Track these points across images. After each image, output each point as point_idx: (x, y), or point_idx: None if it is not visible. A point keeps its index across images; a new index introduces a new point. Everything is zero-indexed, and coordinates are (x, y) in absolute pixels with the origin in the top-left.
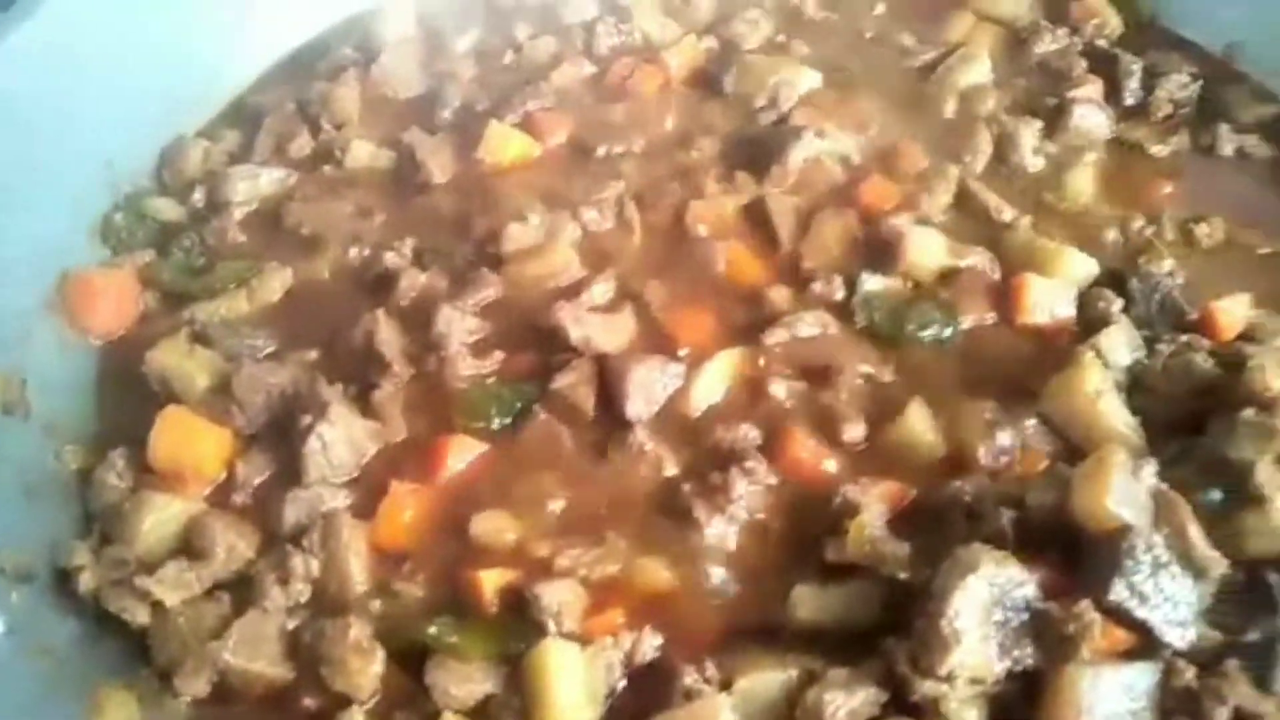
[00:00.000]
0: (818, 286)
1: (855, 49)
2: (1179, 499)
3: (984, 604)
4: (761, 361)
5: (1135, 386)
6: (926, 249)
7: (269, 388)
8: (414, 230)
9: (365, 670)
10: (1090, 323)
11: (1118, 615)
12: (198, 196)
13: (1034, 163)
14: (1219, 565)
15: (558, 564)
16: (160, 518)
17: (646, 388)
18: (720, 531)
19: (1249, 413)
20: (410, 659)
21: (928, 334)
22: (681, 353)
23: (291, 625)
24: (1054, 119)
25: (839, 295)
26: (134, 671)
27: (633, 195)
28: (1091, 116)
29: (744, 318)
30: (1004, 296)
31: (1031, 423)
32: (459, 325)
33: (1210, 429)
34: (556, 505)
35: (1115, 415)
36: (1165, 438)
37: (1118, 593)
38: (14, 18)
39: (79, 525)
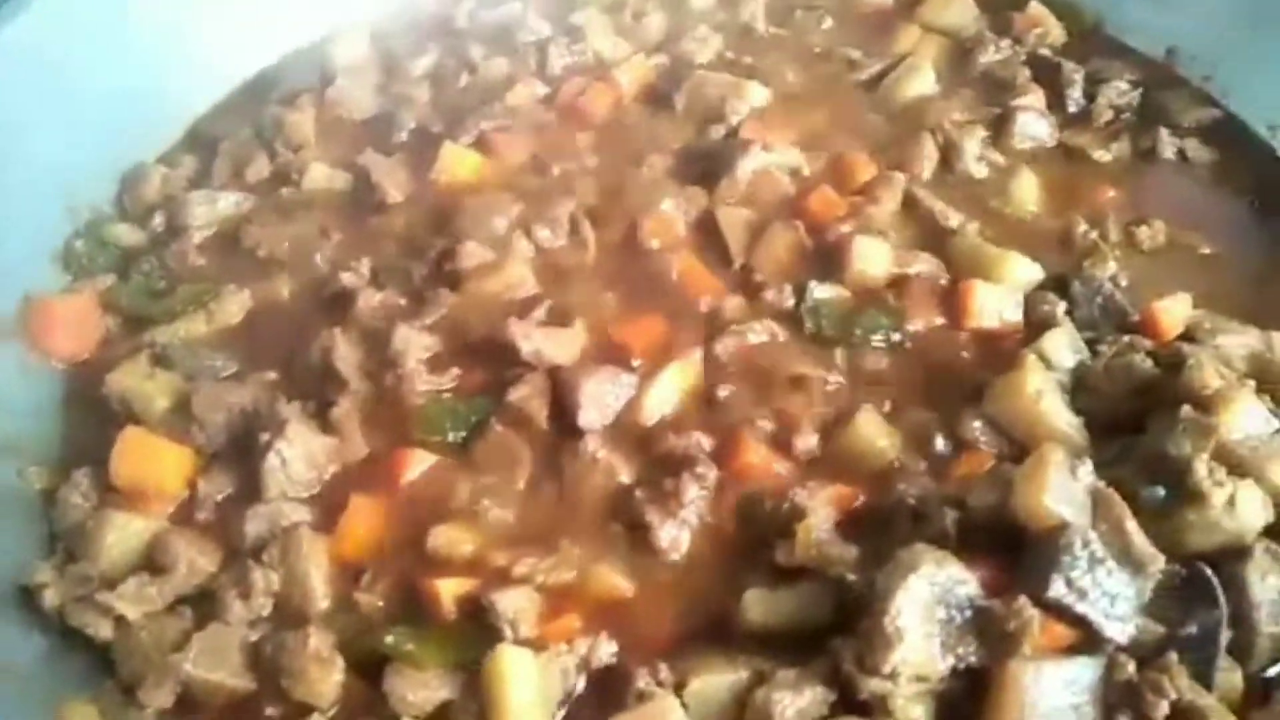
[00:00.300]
0: (768, 296)
1: (804, 63)
2: (1115, 496)
3: (926, 602)
4: (712, 371)
5: (1079, 387)
6: (873, 257)
7: (229, 406)
8: (370, 250)
9: (325, 679)
10: (1036, 326)
11: (1058, 611)
12: (157, 221)
13: (978, 170)
14: (1156, 560)
15: (515, 572)
16: (123, 535)
17: (598, 398)
18: (672, 536)
19: (1187, 410)
20: (370, 668)
21: (875, 339)
22: (635, 363)
23: (253, 637)
24: (998, 127)
25: (789, 304)
26: (98, 685)
27: (586, 211)
28: (1034, 124)
29: (696, 328)
30: (951, 301)
31: (978, 424)
32: (415, 342)
33: (1150, 427)
34: (512, 515)
35: (1057, 415)
36: (1108, 437)
37: (1056, 589)
38: None
39: (43, 545)
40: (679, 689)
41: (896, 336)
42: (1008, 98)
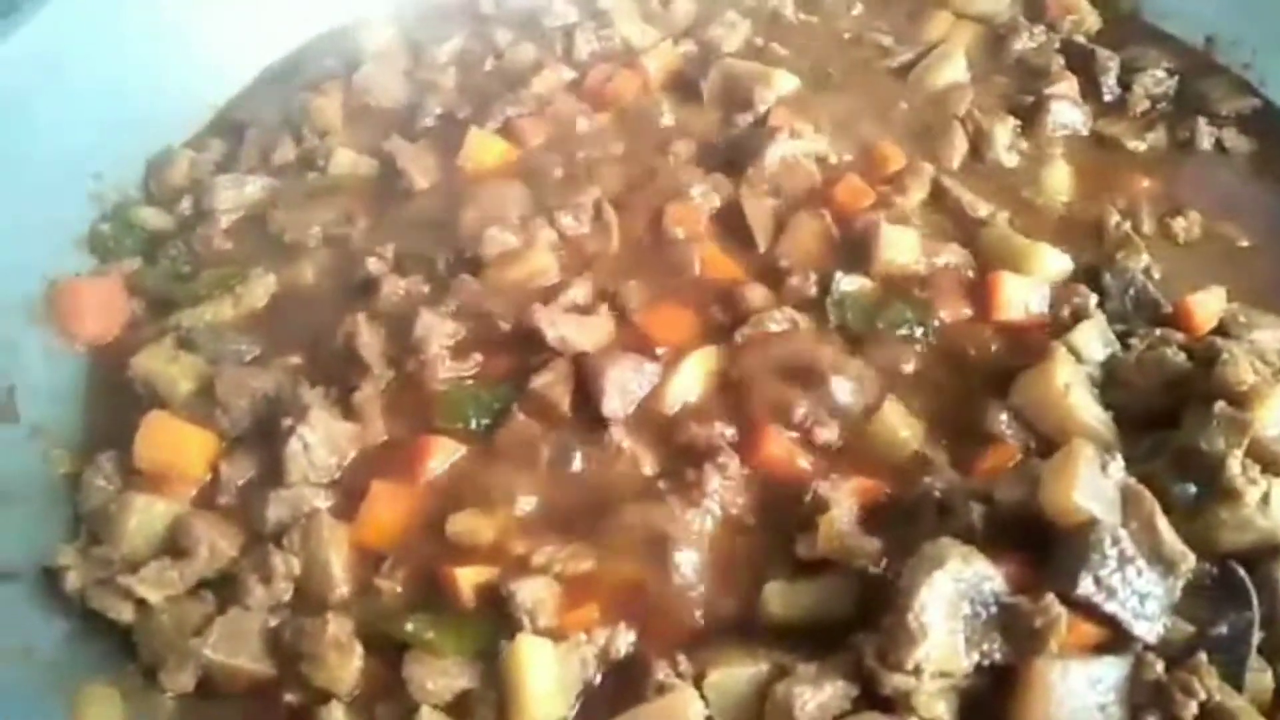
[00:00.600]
0: (793, 285)
1: (833, 50)
2: (1147, 493)
3: (951, 598)
4: (736, 359)
5: (1109, 381)
6: (900, 247)
7: (252, 391)
8: (395, 236)
9: (344, 666)
10: (1065, 318)
11: (1085, 609)
12: (184, 205)
13: (1009, 159)
14: (1187, 559)
15: (534, 561)
16: (145, 518)
17: (622, 386)
18: (694, 527)
19: (1221, 406)
20: (389, 654)
21: (901, 332)
22: (658, 352)
23: (273, 623)
24: (1031, 116)
25: (814, 294)
26: (119, 669)
27: (611, 199)
28: (1068, 113)
29: (720, 317)
30: (979, 293)
31: (1004, 417)
32: (438, 329)
33: (1183, 423)
34: (533, 503)
35: (1086, 410)
36: (1139, 432)
37: (1085, 587)
38: (1, 31)
39: (67, 528)
40: (698, 681)
41: (922, 329)
42: (1041, 85)
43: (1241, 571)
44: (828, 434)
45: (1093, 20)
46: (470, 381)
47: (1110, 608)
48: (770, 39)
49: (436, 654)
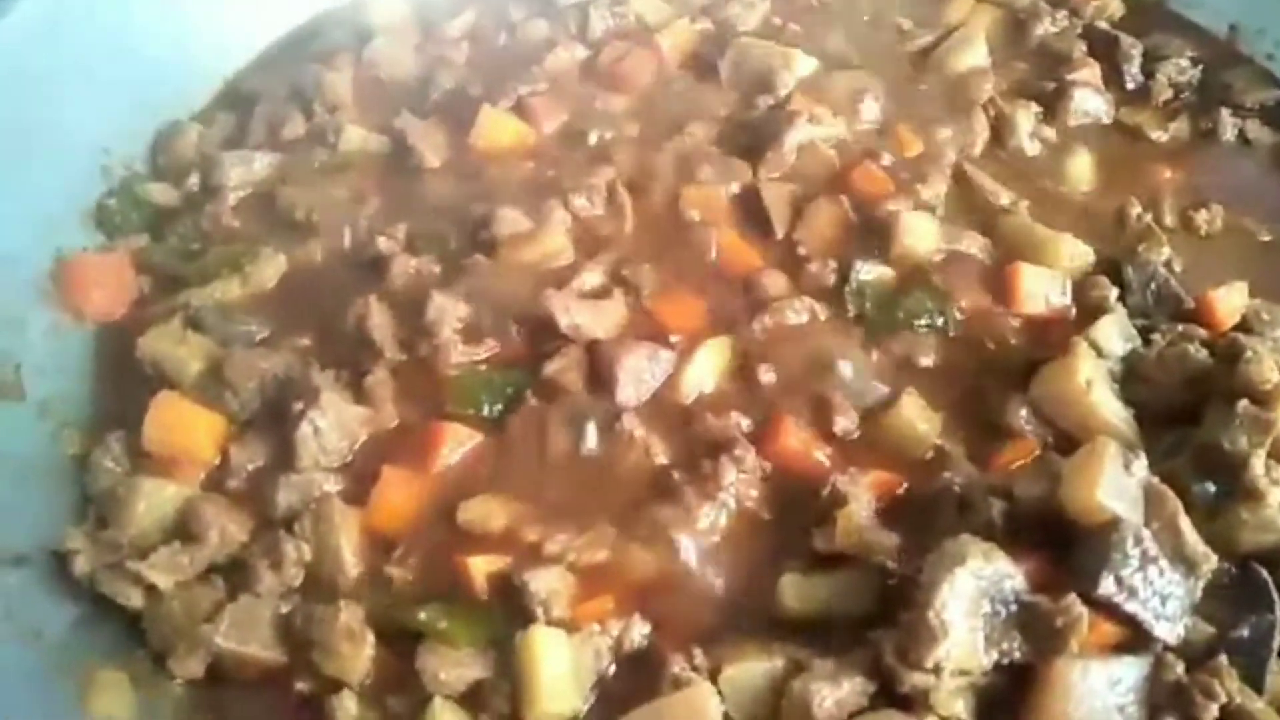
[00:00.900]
0: (811, 273)
1: (852, 32)
2: (1170, 493)
3: (971, 596)
4: (752, 349)
5: (1130, 376)
6: (920, 234)
7: (262, 373)
8: (406, 215)
9: (356, 654)
10: (1086, 311)
11: (1106, 609)
12: (192, 181)
13: (1031, 147)
14: (1210, 559)
15: (547, 550)
16: (154, 501)
17: (637, 374)
18: (709, 519)
19: (1245, 404)
20: (401, 643)
21: (920, 323)
22: (673, 339)
23: (284, 609)
24: (1053, 103)
25: (832, 282)
26: (129, 654)
27: (625, 181)
28: (1091, 100)
29: (736, 305)
30: (998, 284)
31: (1024, 412)
32: (450, 312)
33: (1205, 420)
34: (546, 491)
35: (1107, 406)
36: (1160, 429)
37: (1106, 586)
38: (6, 3)
39: (75, 509)
40: (714, 675)
41: (942, 320)
42: (1063, 72)
43: (1265, 573)
44: (845, 422)
45: (1116, 6)
46: (483, 366)
47: (1131, 608)
48: (788, 19)
49: (450, 644)
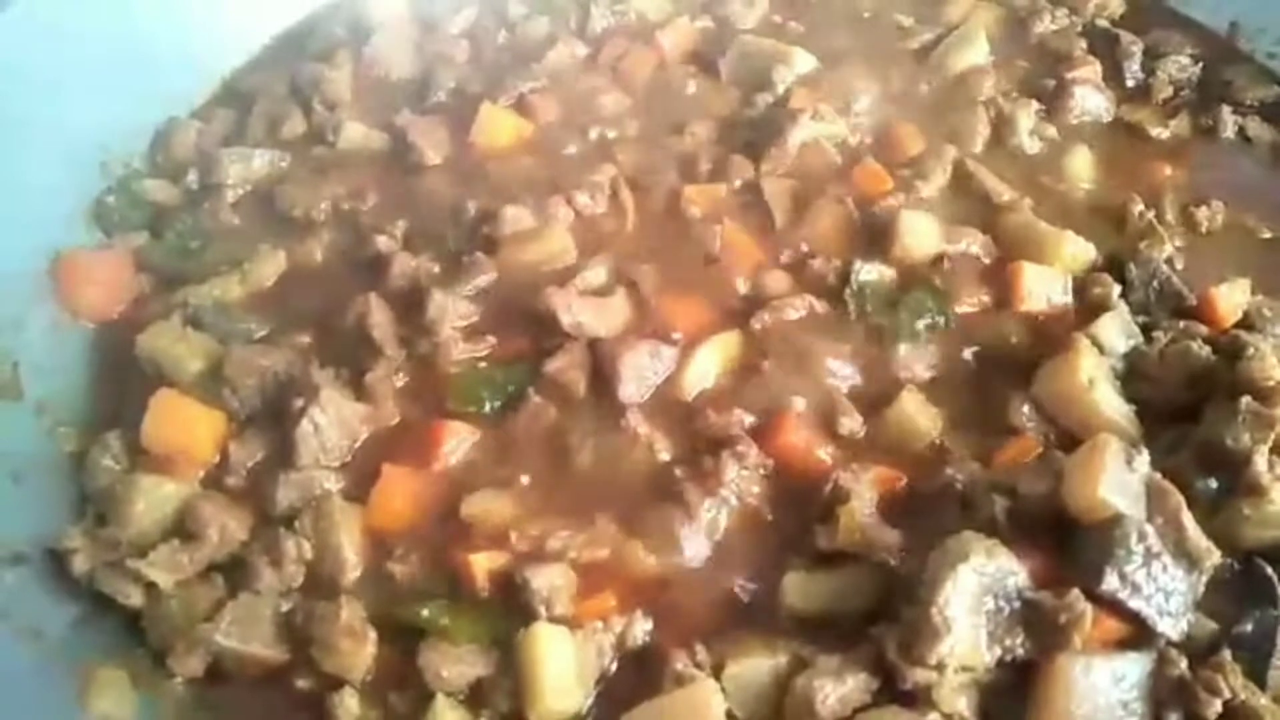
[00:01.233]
0: (813, 271)
1: (852, 29)
2: (1172, 489)
3: (974, 593)
4: (754, 346)
5: (1132, 373)
6: (920, 232)
7: (261, 371)
8: (406, 213)
9: (357, 652)
10: (1088, 308)
11: (1110, 605)
12: (191, 178)
13: (1031, 145)
14: (1212, 555)
15: (548, 546)
16: (153, 500)
17: (639, 371)
18: (711, 516)
19: (1247, 401)
20: (403, 641)
21: (921, 323)
22: (675, 336)
23: (285, 607)
24: (1053, 100)
25: (833, 279)
26: (128, 652)
27: (626, 178)
28: (1091, 98)
29: (738, 302)
30: (1000, 282)
31: (1025, 409)
32: (451, 310)
33: (1207, 417)
34: (547, 489)
35: (1109, 404)
36: (1161, 426)
37: (1110, 583)
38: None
39: (74, 508)
40: (717, 672)
41: (942, 319)
42: (1063, 70)
43: (1268, 569)
44: (850, 423)
45: (1116, 4)
46: (484, 363)
47: (1135, 604)
48: (788, 17)
49: (452, 641)
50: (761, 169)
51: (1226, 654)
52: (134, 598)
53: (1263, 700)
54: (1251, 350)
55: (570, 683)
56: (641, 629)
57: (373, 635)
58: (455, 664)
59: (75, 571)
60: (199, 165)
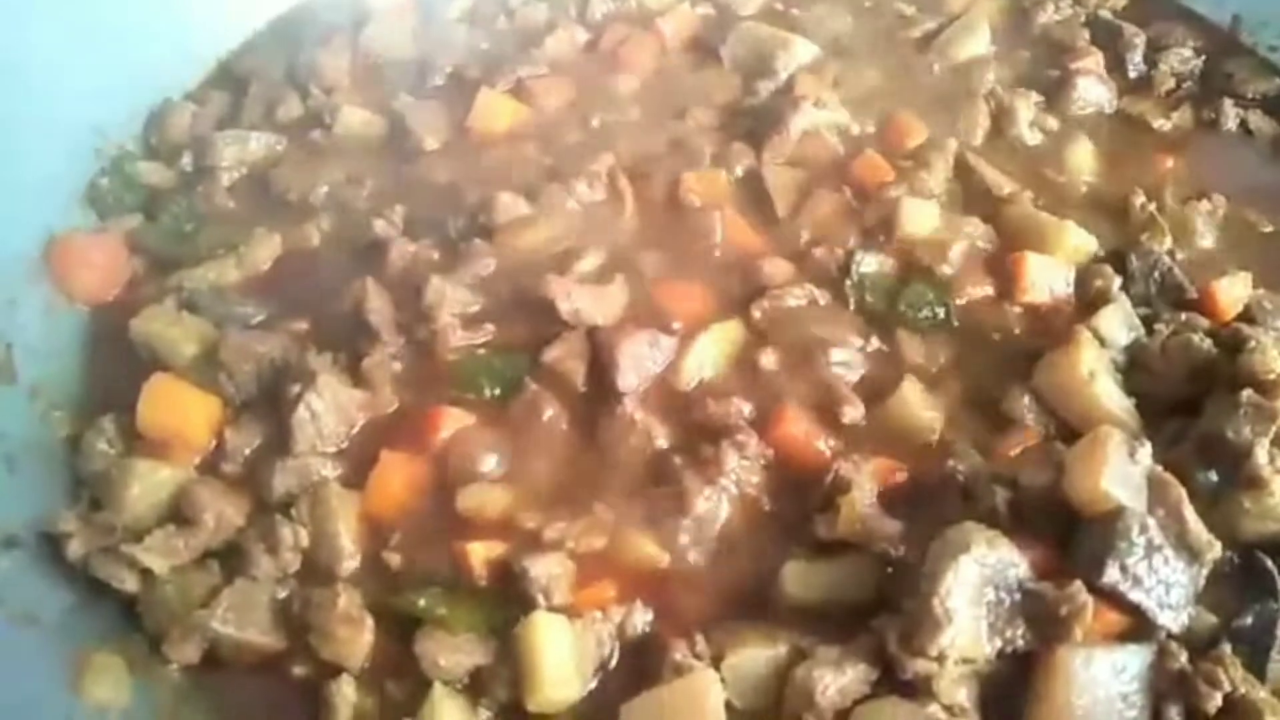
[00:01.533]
0: (813, 260)
1: (854, 18)
2: (1174, 481)
3: (975, 584)
4: (754, 335)
5: (1133, 365)
6: (922, 221)
7: (258, 356)
8: (404, 198)
9: (354, 640)
10: (1089, 300)
11: (1111, 597)
12: (185, 161)
13: (1031, 136)
14: (1213, 548)
15: (546, 536)
16: (149, 485)
17: (637, 360)
18: (710, 505)
19: (1248, 394)
20: (400, 629)
21: (922, 315)
22: (674, 325)
23: (281, 594)
24: (1055, 92)
25: (834, 268)
26: (124, 638)
27: (626, 165)
28: (1094, 89)
29: (737, 291)
30: (1002, 272)
31: (1025, 400)
32: (449, 296)
33: (1207, 410)
34: (545, 477)
35: (1109, 397)
36: (1162, 418)
37: (1111, 575)
38: None
39: (68, 492)
40: (716, 662)
41: (942, 310)
42: (1066, 61)
43: (1268, 562)
44: (853, 412)
45: None
46: (482, 351)
47: (1136, 596)
48: (790, 4)
49: (449, 630)
50: (763, 157)
51: (1226, 647)
52: (129, 583)
53: (1262, 693)
54: (1253, 343)
55: (569, 672)
56: (641, 619)
57: (370, 623)
58: (453, 652)
59: (70, 556)
60: (194, 148)
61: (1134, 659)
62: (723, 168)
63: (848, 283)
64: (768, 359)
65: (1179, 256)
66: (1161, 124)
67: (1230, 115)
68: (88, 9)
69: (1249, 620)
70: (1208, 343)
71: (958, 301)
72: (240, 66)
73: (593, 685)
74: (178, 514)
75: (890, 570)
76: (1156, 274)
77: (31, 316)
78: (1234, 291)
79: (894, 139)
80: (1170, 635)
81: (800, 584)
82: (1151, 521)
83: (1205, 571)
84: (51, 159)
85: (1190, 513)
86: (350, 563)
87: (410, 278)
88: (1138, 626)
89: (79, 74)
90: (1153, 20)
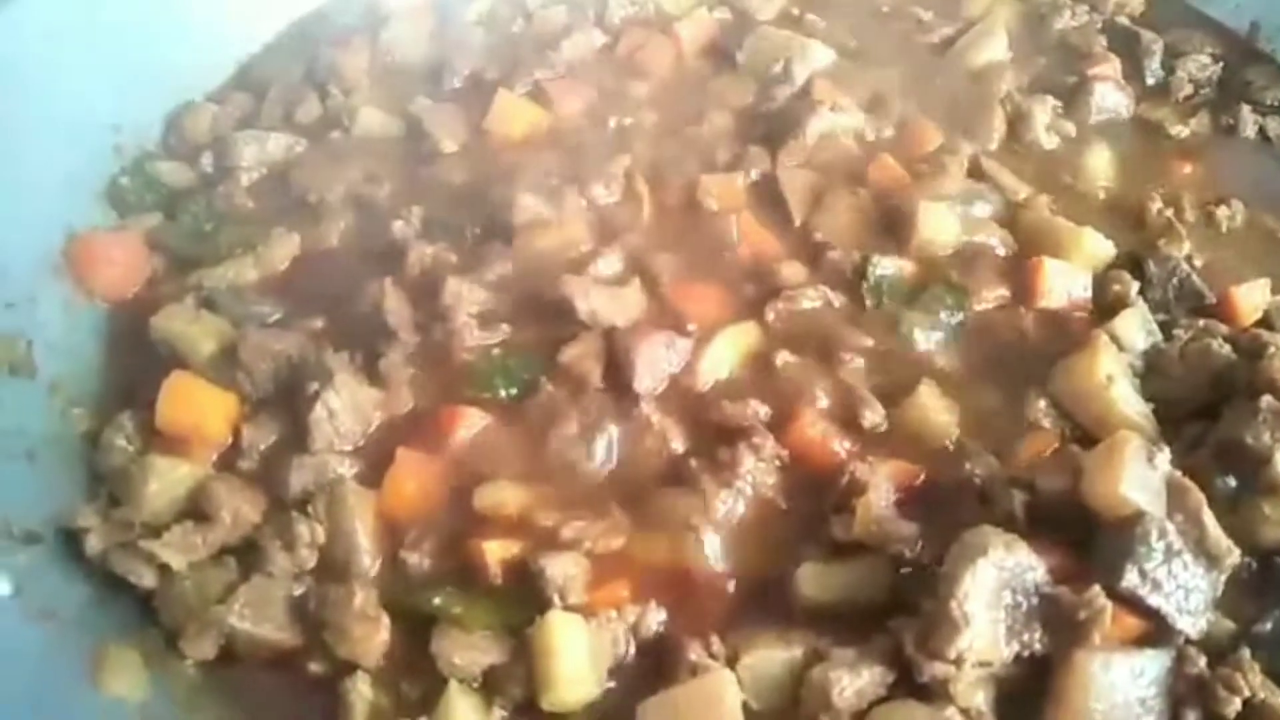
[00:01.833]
0: (829, 263)
1: (871, 22)
2: (1193, 486)
3: (993, 587)
4: (770, 337)
5: (1150, 370)
6: (939, 227)
7: (275, 355)
8: (422, 200)
9: (370, 637)
10: (1106, 305)
11: (1129, 602)
12: (205, 161)
13: (1048, 141)
14: (1233, 554)
15: (562, 536)
16: (167, 481)
17: (654, 362)
18: (726, 506)
19: (1268, 400)
20: (416, 627)
21: (939, 318)
22: (690, 327)
23: (297, 591)
24: (1073, 97)
25: (850, 271)
26: (141, 633)
27: (643, 169)
28: (1111, 95)
29: (754, 293)
30: (1019, 277)
31: (1043, 404)
32: (466, 296)
33: (1226, 416)
34: (562, 477)
35: (1127, 402)
36: (1180, 424)
37: (1130, 579)
38: None
39: (87, 488)
40: (731, 663)
41: (959, 314)
42: (1083, 67)
43: None
44: (873, 415)
45: (1136, 1)
46: (498, 351)
47: (1154, 601)
48: (807, 9)
49: (465, 628)
50: (779, 160)
51: (1245, 652)
52: (147, 579)
53: None
54: (1272, 350)
55: (584, 671)
56: (656, 619)
57: (386, 620)
58: (468, 651)
59: (89, 551)
60: (214, 148)
61: (1152, 664)
62: (739, 171)
63: (864, 285)
64: (783, 361)
65: (1197, 262)
66: (1179, 130)
67: (1248, 121)
68: (111, 13)
69: (1268, 626)
70: (1226, 348)
71: (974, 306)
72: (260, 68)
73: (608, 685)
74: (195, 510)
75: (906, 572)
76: (1175, 280)
77: (52, 313)
78: (1253, 297)
79: (911, 143)
80: (1189, 640)
81: (816, 585)
82: (1170, 526)
83: (1224, 577)
84: (73, 158)
85: (1209, 518)
86: (366, 560)
87: (428, 278)
88: (1156, 631)
89: (102, 76)
90: (1170, 26)
